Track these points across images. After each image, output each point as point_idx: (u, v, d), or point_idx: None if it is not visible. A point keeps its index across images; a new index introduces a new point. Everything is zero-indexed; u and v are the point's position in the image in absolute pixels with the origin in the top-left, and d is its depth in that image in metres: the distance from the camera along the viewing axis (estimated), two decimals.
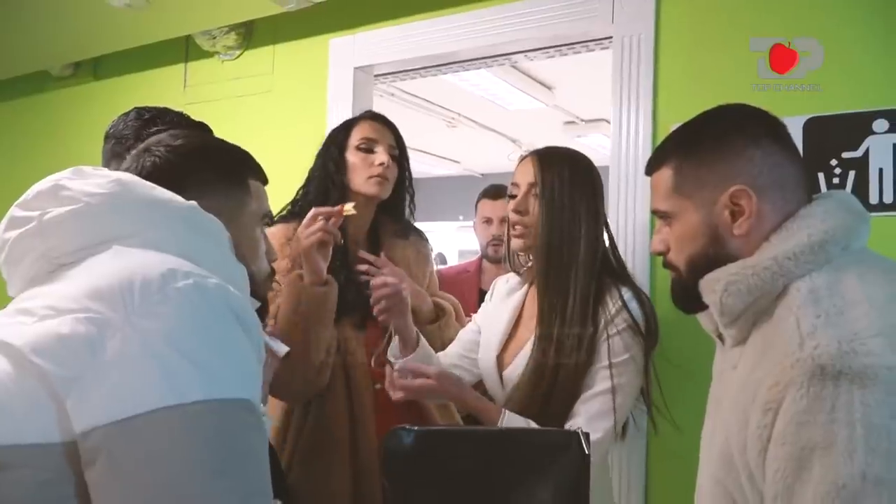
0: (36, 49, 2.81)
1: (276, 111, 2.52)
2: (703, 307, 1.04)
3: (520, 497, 1.13)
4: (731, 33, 1.73)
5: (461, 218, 8.04)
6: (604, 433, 1.34)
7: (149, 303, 0.74)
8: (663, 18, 1.83)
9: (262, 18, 2.46)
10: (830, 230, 0.93)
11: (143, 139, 1.44)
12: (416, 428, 1.13)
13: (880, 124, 1.55)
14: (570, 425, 1.34)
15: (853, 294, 0.88)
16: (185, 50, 2.73)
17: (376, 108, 2.12)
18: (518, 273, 1.60)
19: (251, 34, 2.59)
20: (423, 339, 1.59)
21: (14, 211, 0.87)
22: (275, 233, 1.64)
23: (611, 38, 1.93)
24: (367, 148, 1.72)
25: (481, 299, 1.87)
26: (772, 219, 0.97)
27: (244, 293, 0.93)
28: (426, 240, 1.91)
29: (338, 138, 1.77)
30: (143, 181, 0.92)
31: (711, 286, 0.98)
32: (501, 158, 6.52)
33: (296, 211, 1.75)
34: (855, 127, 1.57)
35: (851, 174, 1.57)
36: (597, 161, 1.53)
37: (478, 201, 2.85)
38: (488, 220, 2.76)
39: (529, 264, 1.55)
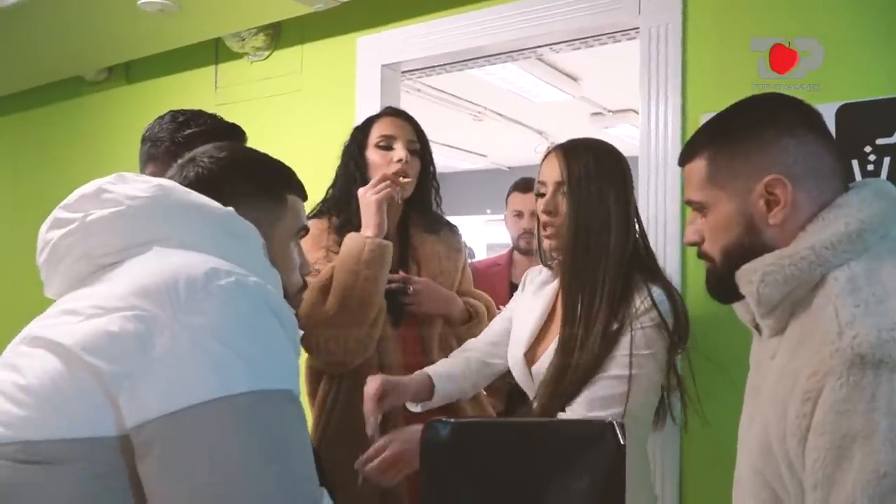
0: (70, 55, 2.87)
1: (305, 110, 2.55)
2: (738, 297, 1.03)
3: (555, 488, 1.13)
4: (754, 27, 1.72)
5: (489, 212, 8.04)
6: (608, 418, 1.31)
7: (194, 300, 0.77)
8: (690, 7, 1.82)
9: (289, 19, 2.48)
10: (867, 219, 0.92)
11: (177, 142, 1.48)
12: (452, 420, 1.14)
13: None
14: (570, 408, 1.32)
15: (893, 282, 0.87)
16: (215, 52, 2.77)
17: (403, 105, 2.14)
18: (549, 266, 1.58)
19: (279, 35, 2.62)
20: (437, 388, 1.58)
21: (57, 213, 0.90)
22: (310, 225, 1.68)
23: (637, 28, 1.91)
24: (386, 145, 1.73)
25: (512, 292, 1.88)
26: (807, 208, 0.97)
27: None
28: (458, 233, 1.92)
29: (358, 137, 1.79)
30: (184, 187, 0.95)
31: (748, 277, 0.97)
32: (528, 151, 6.50)
33: (325, 209, 1.78)
34: (889, 112, 1.54)
35: (886, 161, 1.55)
36: (625, 152, 1.51)
37: (508, 194, 2.85)
38: (519, 214, 2.75)
39: (553, 254, 1.52)
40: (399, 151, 1.72)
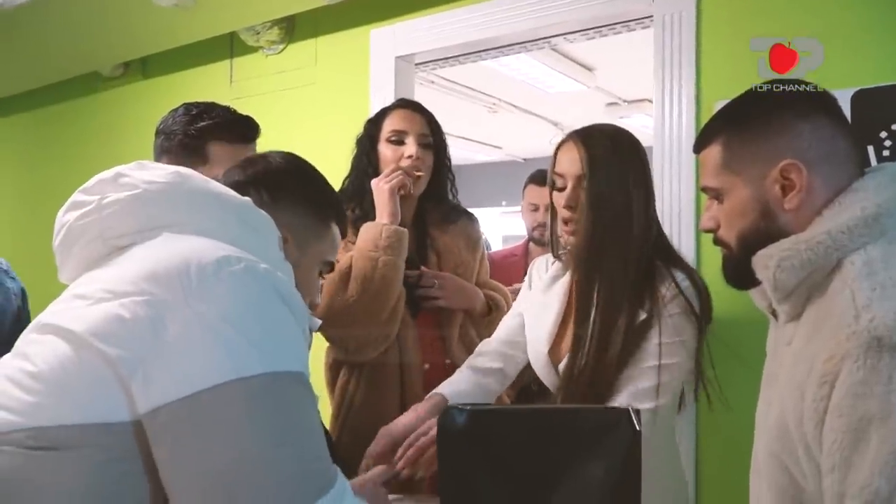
0: (86, 51, 2.90)
1: (319, 103, 2.56)
2: (754, 283, 1.03)
3: (571, 475, 1.14)
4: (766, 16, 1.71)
5: (504, 203, 8.02)
6: (649, 410, 1.30)
7: (205, 285, 0.77)
8: None
9: (303, 12, 2.49)
10: (884, 203, 0.92)
11: (190, 134, 1.49)
12: (468, 407, 1.15)
13: None
14: (615, 402, 1.31)
15: None
16: (230, 46, 2.78)
17: (417, 97, 2.15)
18: (559, 258, 1.54)
19: (293, 28, 2.63)
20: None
21: (76, 196, 0.91)
22: None
23: (651, 17, 1.91)
24: (398, 140, 1.73)
25: None
26: (823, 193, 0.96)
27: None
28: (476, 222, 1.91)
29: (371, 130, 1.79)
30: (201, 175, 0.95)
31: (764, 262, 0.97)
32: (543, 142, 6.45)
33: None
34: None
35: None
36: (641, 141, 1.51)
37: (525, 186, 2.85)
38: (535, 207, 2.75)
39: (568, 247, 1.47)
40: (410, 147, 1.71)
